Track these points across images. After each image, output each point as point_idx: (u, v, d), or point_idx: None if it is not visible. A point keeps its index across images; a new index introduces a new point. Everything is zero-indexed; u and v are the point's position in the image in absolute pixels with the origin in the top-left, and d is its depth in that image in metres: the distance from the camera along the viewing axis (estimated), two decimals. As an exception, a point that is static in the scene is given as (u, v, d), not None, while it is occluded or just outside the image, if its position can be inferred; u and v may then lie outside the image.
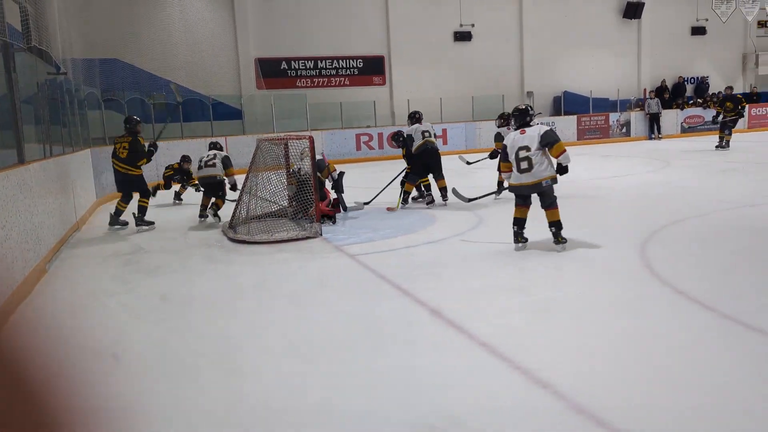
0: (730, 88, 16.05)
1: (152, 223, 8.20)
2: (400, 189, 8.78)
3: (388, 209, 8.50)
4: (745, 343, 3.32)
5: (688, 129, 20.67)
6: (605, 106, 20.42)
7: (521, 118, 5.83)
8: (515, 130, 5.83)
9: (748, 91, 22.78)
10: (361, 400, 2.89)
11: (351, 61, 18.91)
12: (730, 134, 14.92)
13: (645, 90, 21.35)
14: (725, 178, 10.15)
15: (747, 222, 6.54)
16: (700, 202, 7.77)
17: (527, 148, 5.55)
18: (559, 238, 5.59)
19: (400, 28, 19.03)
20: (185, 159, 10.50)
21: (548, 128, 5.69)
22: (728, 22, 21.23)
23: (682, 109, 20.82)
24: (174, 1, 17.05)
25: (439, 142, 9.64)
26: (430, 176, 8.72)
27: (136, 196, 8.20)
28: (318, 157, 8.08)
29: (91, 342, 3.96)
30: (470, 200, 8.24)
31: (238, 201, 7.73)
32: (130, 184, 8.14)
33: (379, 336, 3.76)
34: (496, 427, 2.57)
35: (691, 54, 22.53)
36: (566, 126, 19.40)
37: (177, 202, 10.59)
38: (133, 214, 8.14)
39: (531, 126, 5.76)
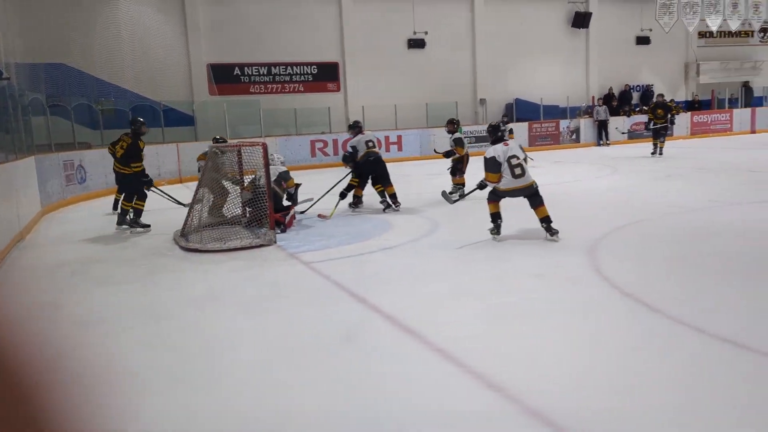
0: (662, 95, 16.53)
1: (148, 226, 8.13)
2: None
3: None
4: (690, 345, 3.44)
5: (635, 135, 21.34)
6: (555, 113, 20.90)
7: (495, 132, 6.57)
8: (493, 144, 6.44)
9: (690, 99, 23.68)
10: (319, 408, 2.88)
11: (305, 67, 18.84)
12: (663, 141, 15.29)
13: (593, 97, 21.96)
14: (669, 184, 10.51)
15: (690, 226, 6.79)
16: (646, 207, 8.03)
17: (516, 157, 6.26)
18: (553, 231, 6.16)
19: (355, 35, 19.08)
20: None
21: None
22: (671, 32, 21.99)
23: (628, 116, 21.49)
24: (122, 4, 16.68)
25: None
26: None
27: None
28: (282, 168, 8.08)
29: (36, 356, 3.82)
30: (455, 201, 8.06)
31: (190, 209, 7.60)
32: (122, 182, 8.33)
33: (335, 343, 3.75)
34: (449, 431, 2.60)
35: (637, 63, 23.28)
36: (518, 132, 19.73)
37: (117, 211, 8.94)
38: (128, 216, 8.18)
39: (506, 139, 6.49)
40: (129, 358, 3.73)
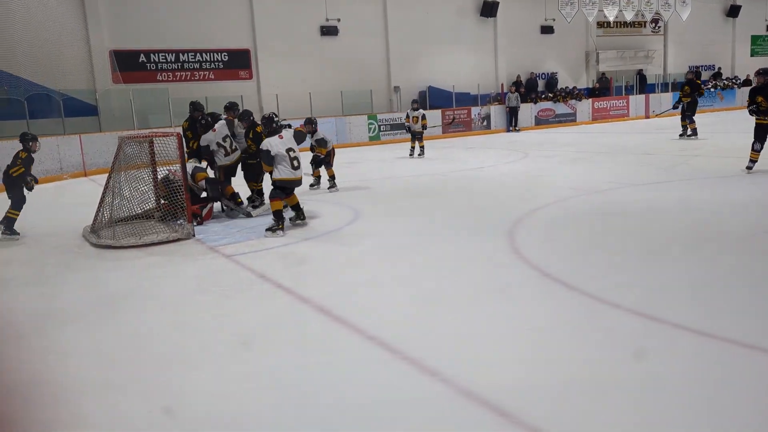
0: (692, 72, 15.36)
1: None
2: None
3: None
4: (606, 319, 3.65)
5: (542, 121, 22.24)
6: (467, 100, 21.36)
7: (269, 125, 6.59)
8: (269, 136, 6.45)
9: (590, 86, 24.90)
10: (257, 403, 2.83)
11: (215, 54, 18.27)
12: (692, 121, 14.08)
13: (502, 85, 22.62)
14: (576, 167, 11.02)
15: (597, 207, 7.18)
16: (556, 190, 8.39)
17: (293, 150, 6.41)
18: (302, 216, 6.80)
19: (266, 21, 18.67)
20: (29, 138, 8.42)
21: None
22: (572, 22, 23.03)
23: (535, 102, 22.32)
24: (12, -14, 15.49)
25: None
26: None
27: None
28: (198, 164, 7.69)
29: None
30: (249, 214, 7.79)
31: (101, 203, 7.23)
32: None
33: (267, 337, 3.70)
34: (390, 419, 2.63)
35: (541, 51, 24.17)
36: (432, 120, 20.07)
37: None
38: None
39: (282, 132, 6.50)
40: (39, 365, 3.51)
